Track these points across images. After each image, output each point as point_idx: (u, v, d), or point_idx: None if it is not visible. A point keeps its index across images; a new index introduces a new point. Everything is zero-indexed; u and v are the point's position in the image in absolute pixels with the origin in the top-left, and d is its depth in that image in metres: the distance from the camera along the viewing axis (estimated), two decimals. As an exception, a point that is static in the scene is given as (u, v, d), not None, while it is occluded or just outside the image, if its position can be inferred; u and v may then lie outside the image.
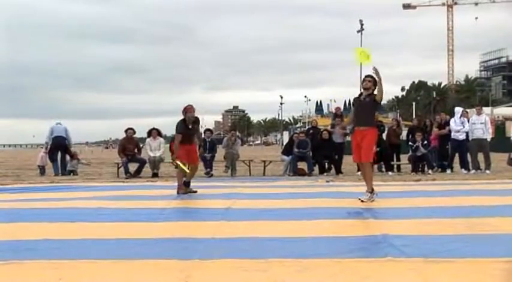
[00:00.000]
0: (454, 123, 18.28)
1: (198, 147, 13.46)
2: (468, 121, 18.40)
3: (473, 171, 17.80)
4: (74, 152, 21.13)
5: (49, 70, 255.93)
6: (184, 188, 12.17)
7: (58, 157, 19.46)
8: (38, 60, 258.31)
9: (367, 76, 10.72)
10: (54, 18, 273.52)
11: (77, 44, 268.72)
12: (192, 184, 12.16)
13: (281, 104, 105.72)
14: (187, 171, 12.35)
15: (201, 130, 17.86)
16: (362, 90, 10.77)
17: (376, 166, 19.36)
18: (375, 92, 10.50)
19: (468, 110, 22.21)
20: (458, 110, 18.97)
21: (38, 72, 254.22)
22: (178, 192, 12.03)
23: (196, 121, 12.82)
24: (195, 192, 12.22)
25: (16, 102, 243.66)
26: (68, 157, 19.77)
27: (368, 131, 10.36)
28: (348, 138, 18.51)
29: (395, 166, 19.18)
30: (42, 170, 20.44)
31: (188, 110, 12.52)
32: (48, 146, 19.59)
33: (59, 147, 19.47)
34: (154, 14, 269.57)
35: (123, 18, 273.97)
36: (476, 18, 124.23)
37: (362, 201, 9.88)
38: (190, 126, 12.51)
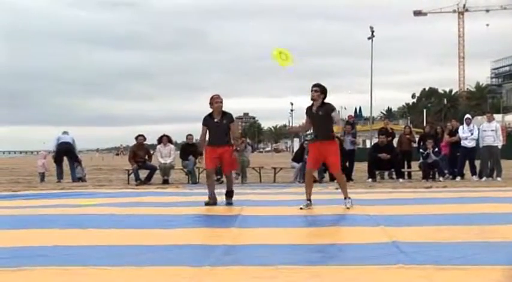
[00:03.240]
0: (462, 131, 18.26)
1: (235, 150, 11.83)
2: (478, 128, 18.37)
3: (484, 178, 17.75)
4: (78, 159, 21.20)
5: (58, 76, 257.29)
6: (214, 198, 10.98)
7: (63, 163, 19.57)
8: (47, 66, 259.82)
9: (313, 86, 10.18)
10: (63, 24, 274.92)
11: (86, 49, 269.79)
12: (202, 191, 11.94)
13: (291, 110, 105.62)
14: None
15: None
16: (312, 101, 10.24)
17: (386, 173, 19.37)
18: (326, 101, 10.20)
19: (479, 117, 22.16)
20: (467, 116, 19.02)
21: (47, 78, 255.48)
22: (207, 203, 10.91)
23: (228, 116, 11.10)
24: (232, 204, 10.98)
25: (26, 109, 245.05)
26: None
27: (330, 143, 10.22)
28: (359, 145, 18.49)
29: (406, 173, 19.15)
30: (42, 176, 20.48)
31: (214, 100, 11.00)
32: (53, 153, 19.75)
33: (65, 153, 19.49)
34: (164, 19, 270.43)
35: (133, 23, 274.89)
36: (488, 25, 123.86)
37: (348, 208, 9.97)
38: (216, 120, 10.94)
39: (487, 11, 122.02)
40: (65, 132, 20.05)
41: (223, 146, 10.97)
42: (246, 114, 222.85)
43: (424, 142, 18.72)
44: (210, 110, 11.08)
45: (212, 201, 10.92)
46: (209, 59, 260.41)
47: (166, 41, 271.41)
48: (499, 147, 18.27)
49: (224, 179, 12.05)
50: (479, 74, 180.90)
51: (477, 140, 18.16)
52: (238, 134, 11.72)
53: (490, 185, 15.49)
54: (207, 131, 11.09)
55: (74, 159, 19.73)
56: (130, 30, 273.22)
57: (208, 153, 11.11)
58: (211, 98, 11.00)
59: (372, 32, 49.65)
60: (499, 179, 17.61)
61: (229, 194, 11.19)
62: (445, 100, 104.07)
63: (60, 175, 19.35)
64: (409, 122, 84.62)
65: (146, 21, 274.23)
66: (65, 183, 18.17)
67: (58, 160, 19.55)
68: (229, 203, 11.03)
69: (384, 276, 5.09)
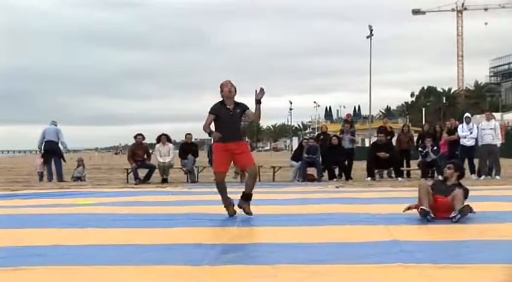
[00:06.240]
0: (461, 130, 18.29)
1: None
2: (477, 127, 18.40)
3: (483, 177, 17.76)
4: (80, 159, 21.10)
5: (58, 75, 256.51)
6: (232, 209, 9.10)
7: (52, 162, 19.22)
8: (48, 65, 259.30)
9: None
10: (65, 23, 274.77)
11: (87, 49, 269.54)
12: (201, 190, 11.76)
13: (290, 109, 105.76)
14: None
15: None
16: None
17: (385, 172, 19.38)
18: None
19: (478, 116, 22.22)
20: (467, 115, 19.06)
21: (47, 77, 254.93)
22: (231, 215, 9.07)
23: (241, 105, 9.12)
24: (250, 214, 9.01)
25: (24, 108, 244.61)
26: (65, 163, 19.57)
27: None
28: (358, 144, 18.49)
29: (405, 172, 19.16)
30: (40, 175, 20.40)
31: (224, 86, 9.05)
32: (42, 151, 19.48)
33: (51, 153, 19.18)
34: (166, 19, 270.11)
35: (135, 23, 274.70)
36: (486, 23, 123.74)
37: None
38: (229, 107, 9.01)
39: (486, 9, 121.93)
40: (53, 123, 19.58)
41: (236, 142, 9.14)
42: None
43: (423, 140, 18.73)
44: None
45: (234, 210, 9.13)
46: (210, 58, 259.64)
47: (168, 41, 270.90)
48: (498, 145, 18.30)
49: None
50: (478, 73, 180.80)
51: (476, 139, 18.18)
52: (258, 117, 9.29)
53: (488, 184, 15.50)
54: (217, 122, 9.11)
55: (59, 158, 19.33)
56: (131, 30, 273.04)
57: (218, 151, 9.20)
58: (221, 85, 9.10)
59: (371, 31, 49.76)
60: (497, 177, 17.63)
61: (245, 197, 9.15)
62: (444, 99, 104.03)
63: (50, 175, 19.22)
64: (407, 120, 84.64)
65: (146, 21, 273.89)
66: (64, 183, 18.15)
67: (46, 160, 19.37)
68: (243, 209, 9.08)
69: (383, 275, 5.09)
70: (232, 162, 9.60)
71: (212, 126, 9.10)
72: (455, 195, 8.38)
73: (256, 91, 8.92)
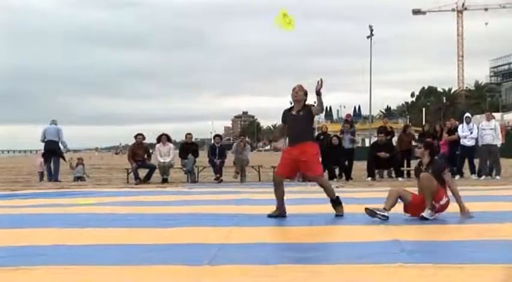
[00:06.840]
0: (462, 130, 18.29)
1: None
2: (478, 127, 18.41)
3: (483, 177, 17.77)
4: (80, 158, 21.10)
5: (58, 75, 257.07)
6: (281, 209, 9.04)
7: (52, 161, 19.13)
8: (48, 65, 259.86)
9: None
10: (65, 23, 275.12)
11: (87, 49, 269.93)
12: (201, 190, 11.75)
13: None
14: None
15: (211, 135, 17.25)
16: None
17: (386, 172, 19.37)
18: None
19: (478, 116, 22.21)
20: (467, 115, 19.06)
21: (47, 77, 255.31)
22: (270, 215, 8.98)
23: (307, 107, 9.08)
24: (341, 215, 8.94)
25: (25, 108, 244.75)
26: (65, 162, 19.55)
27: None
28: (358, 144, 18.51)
29: (405, 172, 19.15)
30: (41, 175, 20.38)
31: (292, 90, 9.15)
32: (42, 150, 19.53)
33: (51, 152, 19.13)
34: (166, 19, 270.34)
35: (135, 23, 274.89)
36: (486, 23, 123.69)
37: None
38: (294, 112, 9.06)
39: (486, 9, 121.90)
40: (53, 122, 19.52)
41: (301, 144, 8.99)
42: (245, 113, 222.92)
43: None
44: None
45: (278, 213, 9.00)
46: (211, 58, 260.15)
47: (166, 41, 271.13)
48: (498, 145, 18.30)
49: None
50: (478, 73, 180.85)
51: (476, 139, 18.19)
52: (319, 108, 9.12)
53: (489, 184, 15.50)
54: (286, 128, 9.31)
55: (59, 158, 19.27)
56: (131, 30, 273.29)
57: (283, 155, 9.32)
58: (292, 90, 9.18)
59: (371, 31, 49.77)
60: (498, 177, 17.63)
61: (333, 202, 9.14)
62: (444, 99, 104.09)
63: (50, 175, 19.21)
64: (408, 120, 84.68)
65: (146, 21, 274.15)
66: (64, 183, 18.15)
67: (46, 159, 19.36)
68: (338, 215, 8.95)
69: (383, 275, 5.08)
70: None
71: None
72: (422, 184, 8.41)
73: (318, 82, 8.88)
